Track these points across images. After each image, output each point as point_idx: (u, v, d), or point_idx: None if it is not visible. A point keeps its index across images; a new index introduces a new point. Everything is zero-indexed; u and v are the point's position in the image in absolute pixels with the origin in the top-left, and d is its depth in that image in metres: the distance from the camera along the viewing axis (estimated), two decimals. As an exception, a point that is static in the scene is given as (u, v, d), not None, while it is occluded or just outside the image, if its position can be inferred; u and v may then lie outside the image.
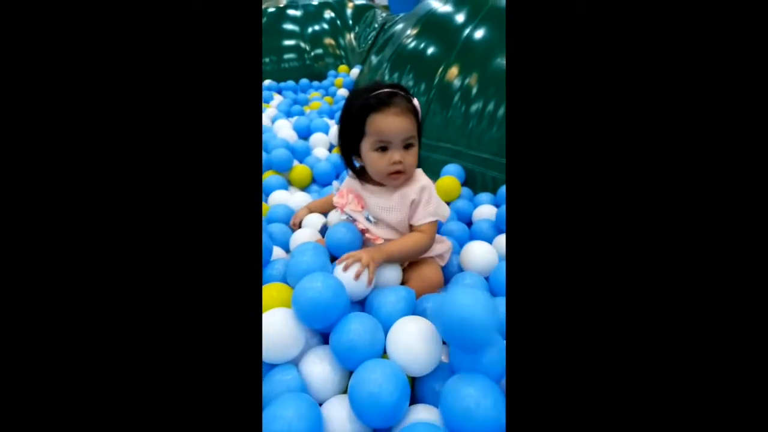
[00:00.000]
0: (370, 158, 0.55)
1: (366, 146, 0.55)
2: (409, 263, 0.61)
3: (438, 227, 0.68)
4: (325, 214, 0.75)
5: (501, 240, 0.67)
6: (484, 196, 0.84)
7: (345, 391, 0.44)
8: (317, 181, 1.03)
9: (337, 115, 1.42)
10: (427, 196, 0.58)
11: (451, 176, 0.88)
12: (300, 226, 0.74)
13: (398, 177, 0.56)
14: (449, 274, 0.63)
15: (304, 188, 1.01)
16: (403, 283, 0.58)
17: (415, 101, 0.57)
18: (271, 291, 0.53)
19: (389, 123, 0.53)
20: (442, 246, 0.64)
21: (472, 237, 0.73)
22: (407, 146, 0.55)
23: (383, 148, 0.54)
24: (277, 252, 0.67)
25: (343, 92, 1.85)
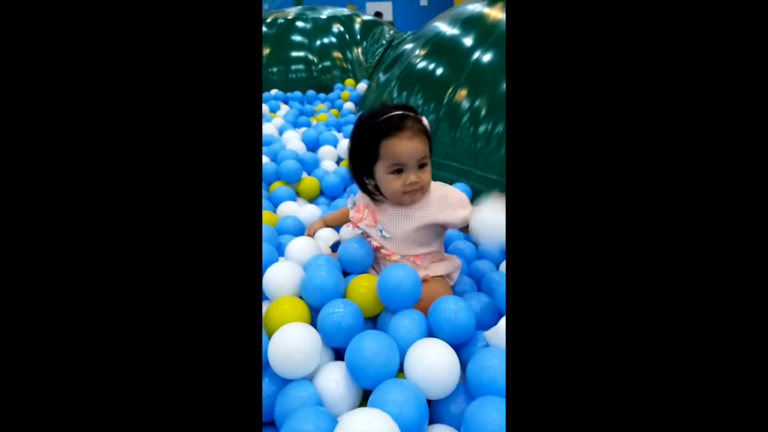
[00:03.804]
0: (386, 180, 0.57)
1: (381, 170, 0.57)
2: (425, 278, 0.62)
3: (445, 245, 0.69)
4: (338, 228, 0.76)
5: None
6: (491, 216, 0.85)
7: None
8: (325, 194, 1.04)
9: (345, 128, 1.44)
10: (454, 200, 0.59)
11: (458, 195, 0.89)
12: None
13: (415, 193, 0.57)
14: (457, 293, 0.64)
15: (312, 200, 1.02)
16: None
17: (425, 121, 0.58)
18: (284, 305, 0.53)
19: (403, 147, 0.55)
20: (451, 264, 0.65)
21: (479, 256, 0.74)
22: (421, 166, 0.57)
23: (399, 171, 0.56)
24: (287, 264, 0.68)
25: (350, 106, 1.87)
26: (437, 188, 0.61)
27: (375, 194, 0.61)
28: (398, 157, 0.55)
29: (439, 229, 0.63)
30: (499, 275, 0.63)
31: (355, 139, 0.60)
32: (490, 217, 0.50)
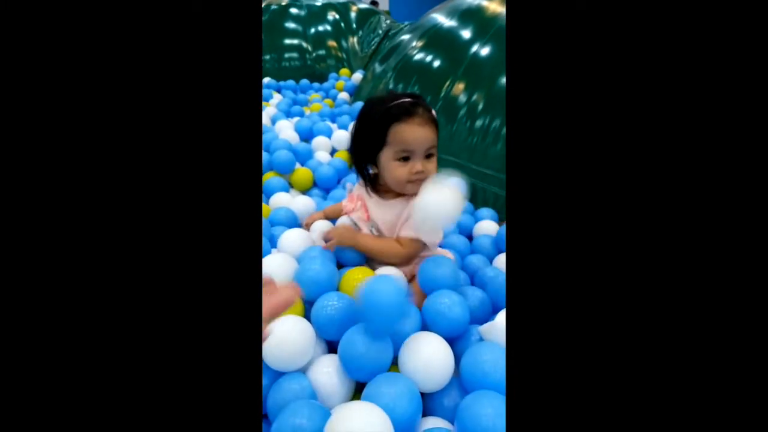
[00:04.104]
0: (391, 167, 0.56)
1: (387, 156, 0.55)
2: (413, 276, 0.62)
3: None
4: (334, 221, 0.75)
5: (502, 258, 0.69)
6: (485, 211, 0.85)
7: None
8: (318, 185, 1.03)
9: (339, 119, 1.42)
10: (412, 222, 0.56)
11: (453, 189, 0.89)
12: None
13: (419, 183, 0.55)
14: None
15: (305, 191, 1.01)
16: (407, 294, 0.59)
17: (433, 111, 0.57)
18: (277, 296, 0.53)
19: (413, 133, 0.54)
20: (445, 259, 0.65)
21: (473, 251, 0.74)
22: (428, 156, 0.56)
23: (405, 158, 0.55)
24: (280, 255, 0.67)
25: (344, 96, 1.85)
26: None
27: (374, 184, 0.60)
28: (407, 144, 0.54)
29: None
30: (492, 270, 0.63)
31: (361, 123, 0.58)
32: (434, 199, 0.42)
